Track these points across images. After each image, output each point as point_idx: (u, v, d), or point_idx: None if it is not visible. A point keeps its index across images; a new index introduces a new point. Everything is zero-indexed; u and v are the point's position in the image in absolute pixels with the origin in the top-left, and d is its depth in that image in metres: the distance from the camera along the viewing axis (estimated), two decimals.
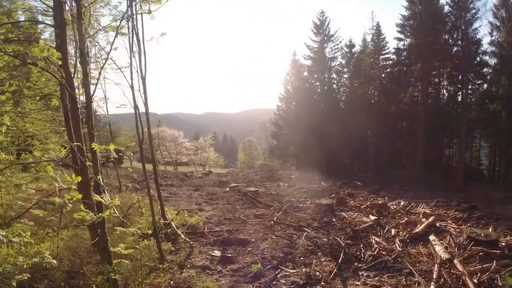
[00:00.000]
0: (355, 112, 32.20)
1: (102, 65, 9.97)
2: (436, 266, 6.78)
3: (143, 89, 9.53)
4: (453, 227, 9.89)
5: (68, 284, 5.78)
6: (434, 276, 6.32)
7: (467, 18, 25.46)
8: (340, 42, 33.90)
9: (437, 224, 10.17)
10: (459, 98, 27.86)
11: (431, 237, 8.62)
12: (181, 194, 16.07)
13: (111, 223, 9.58)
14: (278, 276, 6.82)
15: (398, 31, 28.79)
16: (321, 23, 33.82)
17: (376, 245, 8.13)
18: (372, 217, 10.54)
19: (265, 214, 11.91)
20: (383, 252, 7.71)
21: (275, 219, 10.94)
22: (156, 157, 38.98)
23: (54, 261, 3.98)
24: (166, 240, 8.69)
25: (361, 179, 25.06)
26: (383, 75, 31.31)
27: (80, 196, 4.03)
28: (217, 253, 8.19)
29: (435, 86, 29.13)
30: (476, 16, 25.48)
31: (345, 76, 35.13)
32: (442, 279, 6.22)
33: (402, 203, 13.82)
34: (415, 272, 6.57)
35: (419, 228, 9.25)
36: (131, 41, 8.92)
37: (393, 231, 9.43)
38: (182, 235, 8.84)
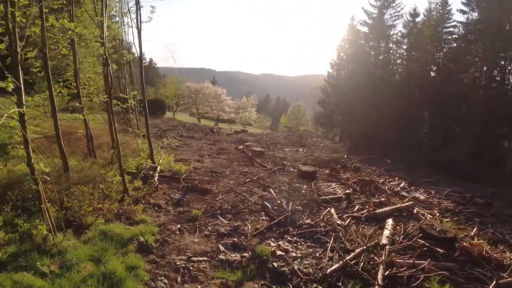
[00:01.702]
0: (410, 87, 29.54)
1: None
2: (361, 248, 6.62)
3: (139, 42, 10.42)
4: (430, 217, 9.36)
5: (33, 195, 7.11)
6: (348, 257, 6.22)
7: None
8: (402, 9, 30.47)
9: (414, 211, 9.72)
10: None
11: (388, 220, 8.36)
12: (194, 146, 17.25)
13: (103, 159, 11.06)
14: (209, 223, 7.53)
15: (463, 3, 24.72)
16: None
17: (321, 216, 8.23)
18: (347, 191, 10.41)
19: (252, 172, 12.43)
20: (322, 224, 7.83)
21: (255, 178, 11.46)
22: (193, 111, 41.27)
23: None
24: (142, 180, 9.86)
25: (396, 158, 23.61)
26: (444, 50, 27.78)
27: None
28: (177, 196, 9.18)
29: (500, 70, 25.05)
30: None
31: (404, 47, 31.91)
32: (353, 261, 6.11)
33: (402, 185, 13.15)
34: (328, 247, 6.62)
35: (381, 210, 8.98)
36: None
37: (357, 207, 9.33)
38: (156, 178, 9.91)
